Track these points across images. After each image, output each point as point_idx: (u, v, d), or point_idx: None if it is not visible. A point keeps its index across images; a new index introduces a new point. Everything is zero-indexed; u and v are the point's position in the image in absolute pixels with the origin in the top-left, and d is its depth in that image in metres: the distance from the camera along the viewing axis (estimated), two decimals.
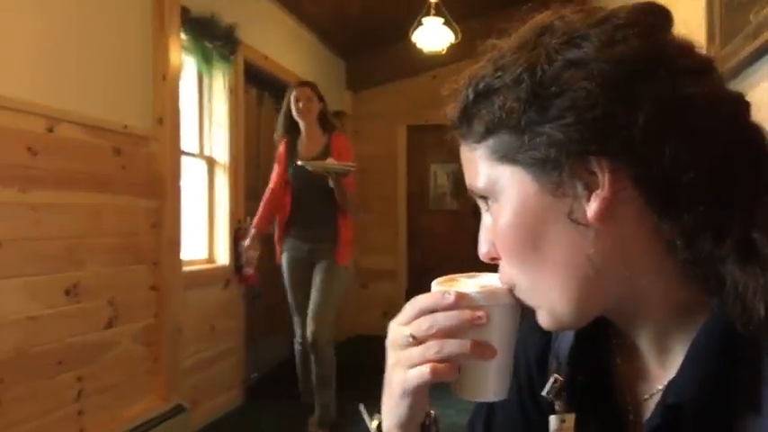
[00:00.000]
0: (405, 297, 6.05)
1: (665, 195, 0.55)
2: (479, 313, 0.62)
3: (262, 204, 3.68)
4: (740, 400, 0.53)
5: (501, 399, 0.66)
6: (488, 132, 0.59)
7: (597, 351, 0.67)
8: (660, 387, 0.59)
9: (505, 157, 0.59)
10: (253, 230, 3.68)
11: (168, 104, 3.22)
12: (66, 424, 2.58)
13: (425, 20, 4.65)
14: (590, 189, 0.56)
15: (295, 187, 3.59)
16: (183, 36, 3.43)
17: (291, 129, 3.64)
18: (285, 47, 4.88)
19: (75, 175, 2.63)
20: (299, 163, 3.38)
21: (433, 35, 4.65)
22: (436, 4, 4.61)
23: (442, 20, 4.60)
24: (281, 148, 3.67)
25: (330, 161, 3.40)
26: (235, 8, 3.97)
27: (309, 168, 3.33)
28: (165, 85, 3.19)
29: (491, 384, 0.65)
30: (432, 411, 0.70)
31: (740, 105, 0.58)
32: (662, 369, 0.62)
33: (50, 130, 2.49)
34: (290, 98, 3.60)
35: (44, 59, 2.51)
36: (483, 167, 0.61)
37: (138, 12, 3.09)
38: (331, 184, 3.40)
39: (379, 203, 6.33)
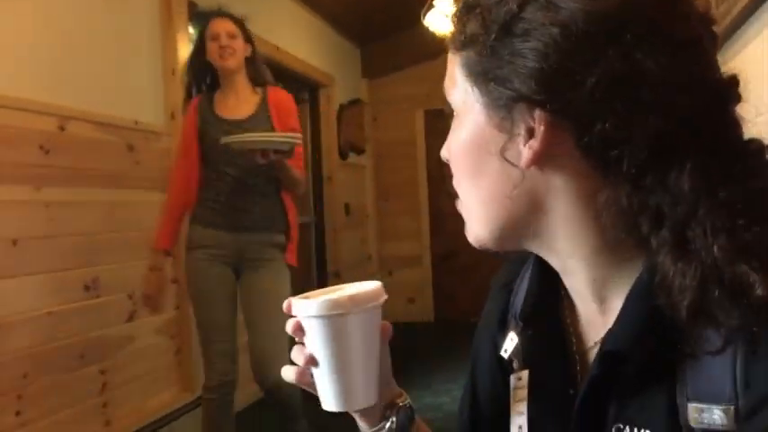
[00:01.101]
0: (432, 282, 5.98)
1: (603, 163, 0.54)
2: (290, 324, 0.65)
3: (165, 209, 2.62)
4: (680, 345, 0.52)
5: (360, 407, 0.67)
6: (463, 46, 0.60)
7: (548, 305, 0.67)
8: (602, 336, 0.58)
9: (470, 75, 0.60)
10: (153, 256, 2.58)
11: (179, 99, 3.24)
12: (92, 416, 2.64)
13: (436, 2, 4.61)
14: (529, 135, 0.56)
15: (212, 161, 2.53)
16: (191, 30, 3.45)
17: (203, 82, 2.63)
18: (297, 36, 4.88)
19: (88, 171, 2.67)
20: (223, 141, 2.36)
21: (445, 17, 4.61)
22: None
23: (452, 0, 4.56)
24: (190, 112, 2.61)
25: (270, 134, 2.45)
26: None
27: (235, 146, 2.37)
28: (175, 79, 3.22)
29: (342, 393, 0.65)
30: (398, 402, 0.71)
31: (719, 93, 0.55)
32: (603, 317, 0.61)
33: (62, 129, 2.53)
34: (202, 36, 2.58)
35: (53, 59, 2.54)
36: (456, 77, 0.62)
37: (146, 7, 3.12)
38: (268, 161, 2.37)
39: (399, 189, 6.33)
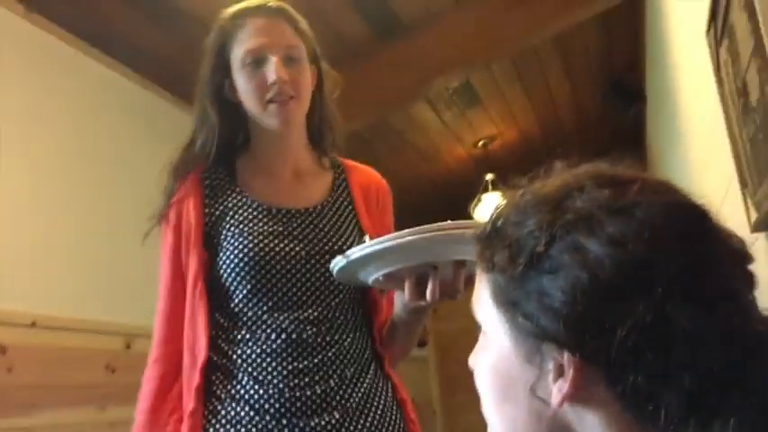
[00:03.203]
0: None
1: (639, 413, 0.52)
2: None
3: (144, 401, 1.26)
4: None
5: None
6: (491, 269, 0.60)
7: None
8: None
9: (497, 302, 0.59)
10: None
11: None
12: None
13: (484, 196, 4.78)
14: (559, 373, 0.54)
15: (243, 302, 1.21)
16: None
17: (218, 145, 1.29)
18: None
19: None
20: (338, 263, 1.10)
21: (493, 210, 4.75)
22: (492, 180, 4.77)
23: (500, 194, 4.72)
24: (184, 196, 1.29)
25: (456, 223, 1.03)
26: None
27: (376, 268, 1.10)
28: None
29: None
30: None
31: (759, 342, 0.52)
32: None
33: (128, 347, 2.61)
34: (223, 53, 1.28)
35: (118, 281, 2.68)
36: (484, 297, 0.62)
37: None
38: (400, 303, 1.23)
39: (466, 382, 6.02)
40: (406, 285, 1.12)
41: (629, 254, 0.52)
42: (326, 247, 1.24)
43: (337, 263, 1.11)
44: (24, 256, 2.31)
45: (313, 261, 1.22)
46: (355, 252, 1.08)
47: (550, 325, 0.53)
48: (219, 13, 1.31)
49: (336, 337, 1.23)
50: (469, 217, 4.72)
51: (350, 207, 1.34)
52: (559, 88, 4.17)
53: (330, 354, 1.21)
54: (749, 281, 0.55)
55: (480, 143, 4.63)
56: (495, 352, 0.60)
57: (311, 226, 1.27)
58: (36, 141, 2.44)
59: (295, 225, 1.26)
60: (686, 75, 2.28)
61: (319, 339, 1.21)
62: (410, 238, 1.02)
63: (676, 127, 2.76)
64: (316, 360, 1.19)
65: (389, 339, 1.34)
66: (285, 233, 1.24)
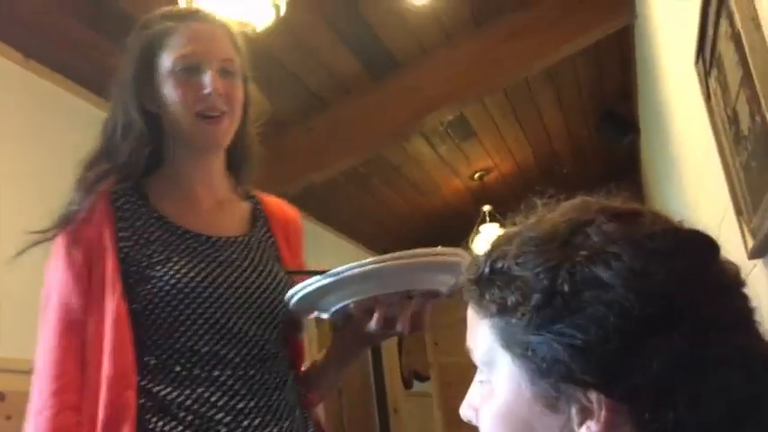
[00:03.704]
0: None
1: None
2: None
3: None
4: None
5: None
6: (497, 313, 0.57)
7: None
8: None
9: (508, 346, 0.56)
10: None
11: None
12: None
13: (482, 228, 4.79)
14: (584, 415, 0.52)
15: (171, 331, 1.06)
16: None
17: (137, 163, 1.16)
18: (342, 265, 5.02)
19: None
20: (310, 285, 1.03)
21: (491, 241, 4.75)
22: (490, 212, 4.79)
23: (497, 225, 4.73)
24: (94, 213, 1.11)
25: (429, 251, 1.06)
26: None
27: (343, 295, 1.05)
28: None
29: None
30: None
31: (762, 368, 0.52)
32: None
33: None
34: (148, 58, 1.14)
35: None
36: (487, 342, 0.58)
37: None
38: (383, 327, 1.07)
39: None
40: (377, 314, 1.04)
41: (653, 286, 0.51)
42: (261, 277, 1.15)
43: (310, 284, 1.02)
44: (22, 303, 2.30)
45: (250, 291, 1.12)
46: (342, 271, 0.99)
47: (576, 365, 0.51)
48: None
49: (282, 375, 1.15)
50: (467, 249, 4.72)
51: (272, 239, 1.26)
52: (553, 120, 4.21)
53: (278, 393, 1.12)
54: (750, 302, 0.56)
55: (476, 175, 4.65)
56: (506, 400, 0.56)
57: (242, 256, 1.17)
58: (32, 187, 2.45)
59: (227, 254, 1.15)
60: (677, 104, 2.31)
61: (266, 377, 1.11)
62: (407, 261, 0.99)
63: (670, 156, 2.78)
64: (265, 398, 1.10)
65: (318, 379, 1.25)
66: (219, 261, 1.13)
